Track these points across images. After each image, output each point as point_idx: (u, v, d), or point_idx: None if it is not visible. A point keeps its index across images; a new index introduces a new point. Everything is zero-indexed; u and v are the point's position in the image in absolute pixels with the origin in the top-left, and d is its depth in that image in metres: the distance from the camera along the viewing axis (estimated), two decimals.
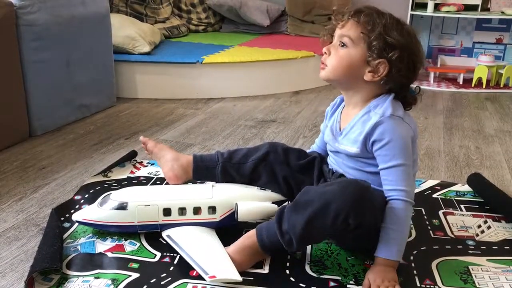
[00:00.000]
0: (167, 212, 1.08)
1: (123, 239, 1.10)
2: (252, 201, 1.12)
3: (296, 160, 1.18)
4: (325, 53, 1.03)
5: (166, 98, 2.42)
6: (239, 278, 0.93)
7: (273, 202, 1.13)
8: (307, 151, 1.25)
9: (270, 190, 1.18)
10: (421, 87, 2.81)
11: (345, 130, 1.06)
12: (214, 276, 0.92)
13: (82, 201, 1.28)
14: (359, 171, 1.04)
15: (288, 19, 3.30)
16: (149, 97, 2.42)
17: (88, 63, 2.07)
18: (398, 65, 0.97)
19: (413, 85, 1.06)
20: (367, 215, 0.93)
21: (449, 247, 1.10)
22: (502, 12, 2.79)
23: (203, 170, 1.22)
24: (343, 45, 1.00)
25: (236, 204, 1.09)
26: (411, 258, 1.05)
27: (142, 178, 1.44)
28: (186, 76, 2.43)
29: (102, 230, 1.12)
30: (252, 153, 1.20)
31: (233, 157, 1.20)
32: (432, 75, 2.94)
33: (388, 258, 0.95)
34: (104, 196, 1.15)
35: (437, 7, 2.87)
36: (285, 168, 1.17)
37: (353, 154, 1.03)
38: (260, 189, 1.17)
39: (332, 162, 1.13)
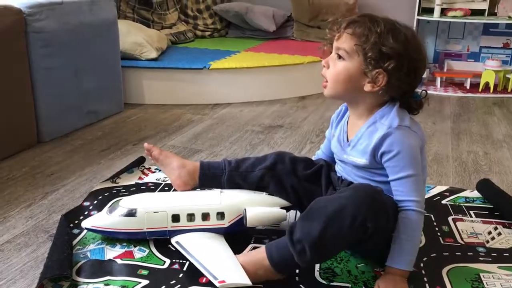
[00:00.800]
0: (175, 218, 1.09)
1: (132, 245, 1.10)
2: (260, 206, 1.12)
3: (303, 170, 1.18)
4: (324, 66, 1.03)
5: (173, 103, 2.42)
6: (248, 282, 0.92)
7: (281, 208, 1.13)
8: (313, 157, 1.24)
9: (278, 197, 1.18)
10: (428, 91, 2.81)
11: (353, 141, 1.05)
12: (223, 281, 0.92)
13: (91, 207, 1.29)
14: (369, 180, 1.03)
15: (294, 24, 3.30)
16: (156, 102, 2.43)
17: (96, 69, 2.08)
18: (396, 73, 0.96)
19: (419, 89, 1.04)
20: (381, 217, 0.92)
21: (460, 254, 1.10)
22: (509, 17, 2.78)
23: (209, 178, 1.21)
24: (340, 57, 1.00)
25: (245, 209, 1.09)
26: (421, 265, 1.04)
27: (150, 184, 1.44)
28: (193, 82, 2.44)
29: (111, 237, 1.12)
30: (259, 163, 1.19)
31: (240, 166, 1.20)
32: (439, 80, 2.93)
33: (399, 268, 0.94)
34: (113, 203, 1.15)
35: (443, 12, 2.87)
36: (293, 178, 1.16)
37: (362, 165, 1.03)
38: (268, 194, 1.17)
39: (340, 170, 1.12)
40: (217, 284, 0.92)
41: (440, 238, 1.16)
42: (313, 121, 2.19)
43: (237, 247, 1.07)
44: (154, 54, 2.44)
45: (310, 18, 3.19)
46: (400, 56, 0.95)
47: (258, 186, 1.18)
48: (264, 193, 1.17)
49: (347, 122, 1.10)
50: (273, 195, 1.17)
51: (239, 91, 2.51)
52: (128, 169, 1.52)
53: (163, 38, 2.73)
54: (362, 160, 1.01)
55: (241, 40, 3.27)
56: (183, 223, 1.09)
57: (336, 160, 1.14)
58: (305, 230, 0.91)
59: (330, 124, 1.18)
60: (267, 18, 3.24)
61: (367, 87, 0.98)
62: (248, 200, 1.13)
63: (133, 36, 2.43)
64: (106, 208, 1.14)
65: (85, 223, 1.13)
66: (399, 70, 0.95)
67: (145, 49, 2.43)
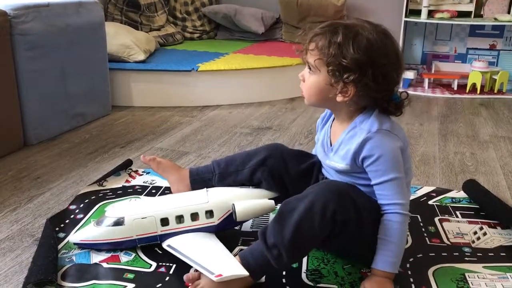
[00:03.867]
0: (165, 222, 1.08)
1: (119, 249, 1.09)
2: (248, 200, 1.11)
3: (295, 165, 1.17)
4: (301, 79, 1.03)
5: (161, 106, 2.42)
6: (245, 273, 0.92)
7: (271, 198, 1.13)
8: (313, 151, 1.23)
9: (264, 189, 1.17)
10: (416, 93, 2.84)
11: (335, 146, 1.04)
12: (220, 275, 0.91)
13: (77, 210, 1.28)
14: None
15: (283, 26, 3.31)
16: (144, 105, 2.42)
17: (83, 72, 2.07)
18: (362, 83, 0.94)
19: (400, 90, 1.02)
20: (351, 212, 0.93)
21: (446, 254, 1.10)
22: (495, 19, 2.81)
23: (200, 183, 1.23)
24: (310, 71, 1.00)
25: (233, 204, 1.09)
26: (408, 265, 1.05)
27: (137, 187, 1.43)
28: (181, 84, 2.43)
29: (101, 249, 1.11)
30: (250, 159, 1.19)
31: (230, 166, 1.20)
32: (426, 81, 2.95)
33: (385, 270, 0.95)
34: (99, 214, 1.14)
35: (430, 13, 2.89)
36: (284, 174, 1.16)
37: (343, 170, 1.02)
38: (254, 187, 1.17)
39: (326, 173, 1.12)
40: (214, 279, 0.91)
41: (427, 239, 1.17)
42: (301, 123, 2.19)
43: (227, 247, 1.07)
44: (142, 56, 2.43)
45: (298, 20, 3.19)
46: (362, 65, 0.92)
47: (249, 182, 1.18)
48: (251, 186, 1.17)
49: (331, 126, 1.09)
50: (258, 187, 1.17)
51: (228, 93, 2.51)
52: (115, 172, 1.51)
53: (151, 40, 2.72)
54: (342, 165, 1.01)
55: (230, 42, 3.27)
56: (173, 225, 1.08)
57: (322, 163, 1.14)
58: (278, 235, 0.91)
59: (316, 128, 1.18)
60: (256, 20, 3.24)
61: (339, 98, 0.97)
62: (235, 195, 1.13)
63: (121, 38, 2.42)
64: (92, 221, 1.13)
65: (73, 238, 1.12)
66: (363, 80, 0.93)
67: (133, 51, 2.42)
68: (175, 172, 1.26)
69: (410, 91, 2.86)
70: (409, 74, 2.95)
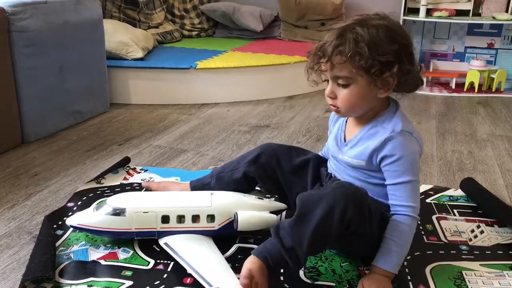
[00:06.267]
0: (165, 219, 1.08)
1: (117, 247, 1.09)
2: (250, 210, 1.11)
3: (288, 161, 1.17)
4: (330, 97, 0.99)
5: (159, 103, 2.41)
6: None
7: (272, 212, 1.13)
8: (320, 152, 1.23)
9: (268, 199, 1.18)
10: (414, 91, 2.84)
11: (351, 142, 1.03)
12: None
13: (75, 208, 1.28)
14: (360, 181, 1.02)
15: (281, 24, 3.31)
16: (142, 102, 2.41)
17: (81, 69, 2.06)
18: (403, 69, 0.93)
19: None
20: (366, 221, 0.92)
21: (443, 252, 1.11)
22: (493, 17, 2.81)
23: (200, 187, 1.27)
24: (344, 85, 0.96)
25: (236, 213, 1.08)
26: (405, 263, 1.05)
27: (135, 184, 1.43)
28: (179, 82, 2.43)
29: (96, 236, 1.11)
30: (244, 158, 1.21)
31: (226, 167, 1.24)
32: (425, 79, 2.95)
33: (385, 268, 0.94)
34: (100, 201, 1.14)
35: (429, 12, 2.89)
36: (276, 169, 1.17)
37: (357, 166, 1.02)
38: (258, 198, 1.17)
39: (332, 167, 1.11)
40: None
41: (424, 237, 1.17)
42: (300, 121, 2.19)
43: (222, 246, 1.07)
44: (140, 54, 2.43)
45: (297, 18, 3.19)
46: (398, 54, 0.92)
47: (242, 181, 1.19)
48: (254, 196, 1.17)
49: (346, 121, 1.08)
50: (262, 198, 1.17)
51: (226, 91, 2.51)
52: (113, 169, 1.51)
53: (149, 38, 2.71)
54: (359, 161, 1.01)
55: (228, 39, 3.27)
56: (173, 224, 1.08)
57: (330, 157, 1.13)
58: (296, 238, 0.89)
59: (329, 122, 1.16)
60: (255, 18, 3.23)
61: (382, 94, 0.96)
62: (239, 203, 1.12)
63: (119, 36, 2.41)
64: (93, 206, 1.12)
65: (70, 221, 1.11)
66: (403, 67, 0.93)
67: (131, 49, 2.41)
68: (176, 185, 1.32)
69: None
70: None
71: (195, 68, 2.40)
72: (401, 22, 2.87)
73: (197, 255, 1.02)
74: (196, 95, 2.45)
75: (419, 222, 1.22)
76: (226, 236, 1.12)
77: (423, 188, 1.45)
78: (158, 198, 1.13)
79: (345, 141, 1.06)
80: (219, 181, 1.23)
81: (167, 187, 1.33)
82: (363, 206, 0.92)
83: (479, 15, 2.95)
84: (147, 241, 1.10)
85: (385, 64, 0.91)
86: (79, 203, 1.30)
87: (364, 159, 0.99)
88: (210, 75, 2.45)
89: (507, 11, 2.86)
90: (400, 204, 0.96)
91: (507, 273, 1.03)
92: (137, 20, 2.96)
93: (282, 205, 1.16)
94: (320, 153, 1.23)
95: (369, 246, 0.97)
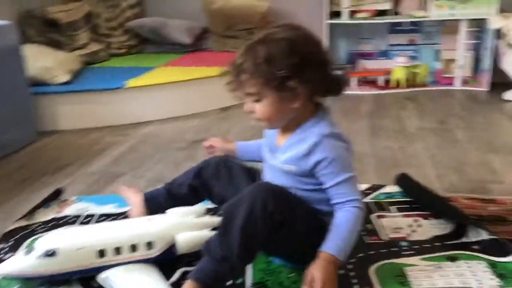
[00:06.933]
0: (102, 253, 1.02)
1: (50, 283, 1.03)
2: (190, 230, 1.09)
3: (228, 172, 1.18)
4: (250, 112, 1.02)
5: (91, 127, 2.33)
6: None
7: (214, 229, 1.11)
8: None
9: (209, 216, 1.17)
10: (345, 92, 2.92)
11: (282, 148, 1.05)
12: None
13: (6, 249, 1.20)
14: (294, 188, 1.03)
15: (211, 36, 3.30)
16: (73, 128, 2.32)
17: (2, 98, 1.95)
18: (308, 79, 0.96)
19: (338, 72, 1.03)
20: (287, 212, 0.94)
21: (385, 250, 1.13)
22: (411, 15, 2.95)
23: (153, 204, 1.23)
24: (256, 100, 0.99)
25: (174, 236, 1.06)
26: (349, 267, 1.06)
27: (69, 217, 1.37)
28: (110, 102, 2.36)
29: (30, 283, 1.04)
30: (188, 173, 1.22)
31: (176, 180, 1.23)
32: (354, 79, 3.05)
33: (331, 253, 0.93)
34: (30, 243, 1.07)
35: (351, 14, 2.98)
36: (217, 182, 1.17)
37: (290, 172, 1.03)
38: (197, 217, 1.14)
39: (267, 176, 1.12)
40: None
41: (366, 237, 1.19)
42: (236, 132, 2.19)
43: (167, 272, 1.05)
44: (65, 78, 2.34)
45: (225, 28, 3.20)
46: (298, 66, 0.94)
47: (191, 194, 1.20)
48: (192, 216, 1.15)
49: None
50: (203, 215, 1.15)
51: (160, 107, 2.46)
52: (44, 203, 1.43)
53: (74, 60, 2.62)
54: (290, 167, 1.02)
55: (159, 55, 3.22)
56: (111, 257, 1.03)
57: (264, 166, 1.14)
58: (225, 246, 0.91)
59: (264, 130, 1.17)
60: (183, 31, 3.21)
61: (295, 105, 0.99)
62: (178, 225, 1.09)
63: (41, 61, 2.31)
64: (22, 249, 1.05)
65: (1, 269, 1.04)
66: (306, 77, 0.95)
67: (56, 73, 2.32)
68: (132, 195, 1.26)
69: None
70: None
71: (125, 87, 2.34)
72: (325, 26, 2.96)
73: (138, 286, 0.98)
74: (129, 115, 2.39)
75: None
76: (169, 261, 1.09)
77: (361, 188, 1.48)
78: (92, 231, 1.08)
79: (277, 147, 1.07)
80: (170, 195, 1.22)
81: (127, 193, 1.29)
82: (282, 196, 0.95)
83: (398, 13, 3.08)
84: (87, 278, 1.05)
85: (284, 79, 0.94)
86: (10, 244, 1.22)
87: (295, 164, 1.01)
88: (142, 92, 2.40)
89: (423, 9, 3.01)
90: (345, 200, 0.97)
91: (444, 264, 1.07)
92: (60, 42, 2.84)
93: (217, 219, 1.15)
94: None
95: (306, 247, 0.97)
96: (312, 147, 0.98)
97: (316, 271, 0.91)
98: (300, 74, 0.95)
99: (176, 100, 2.51)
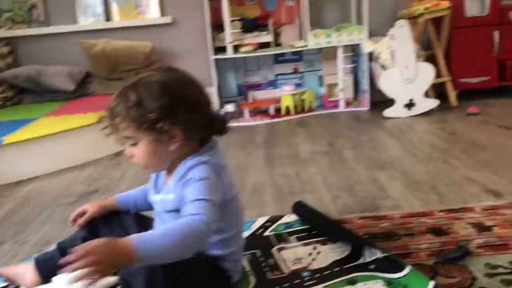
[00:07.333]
0: None
1: None
2: None
3: (119, 223, 1.16)
4: (131, 156, 1.01)
5: None
6: None
7: None
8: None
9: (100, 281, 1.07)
10: (238, 124, 2.96)
11: (167, 189, 1.02)
12: None
13: None
14: None
15: (95, 79, 3.18)
16: None
17: None
18: (182, 121, 0.95)
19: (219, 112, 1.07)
20: (185, 266, 0.90)
21: (287, 284, 1.12)
22: (292, 46, 3.08)
23: (44, 265, 1.15)
24: (133, 144, 0.98)
25: None
26: None
27: None
28: None
29: None
30: (79, 233, 1.17)
31: (68, 237, 1.19)
32: (246, 111, 3.09)
33: (133, 242, 0.81)
34: None
35: (236, 48, 3.05)
36: (111, 235, 1.10)
37: (173, 207, 0.99)
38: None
39: (157, 223, 1.09)
40: None
41: (268, 273, 1.17)
42: (130, 177, 2.10)
43: None
44: None
45: (109, 71, 3.10)
46: (169, 108, 0.94)
47: None
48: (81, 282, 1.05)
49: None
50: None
51: (45, 161, 2.29)
52: None
53: None
54: (170, 196, 0.99)
55: (39, 105, 3.02)
56: None
57: (154, 216, 1.10)
58: None
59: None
60: (64, 77, 3.05)
61: (172, 147, 0.98)
62: None
63: None
64: None
65: None
66: (180, 119, 0.95)
67: None
68: (20, 269, 1.17)
69: (233, 124, 2.97)
70: (229, 107, 3.06)
71: (0, 144, 2.14)
72: (212, 62, 2.99)
73: None
74: (7, 174, 2.18)
75: (260, 259, 1.24)
76: None
77: (260, 221, 1.48)
78: None
79: (162, 188, 1.06)
80: (65, 255, 1.10)
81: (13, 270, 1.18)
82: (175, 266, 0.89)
83: (280, 45, 3.21)
84: None
85: (156, 121, 0.94)
86: None
87: (174, 191, 0.98)
88: (22, 148, 2.21)
89: (301, 39, 3.17)
90: (195, 213, 0.90)
91: None
92: None
93: (113, 279, 1.07)
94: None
95: None
96: (187, 170, 0.97)
97: (92, 248, 0.79)
98: (172, 116, 0.94)
99: (62, 152, 2.35)
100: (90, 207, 1.18)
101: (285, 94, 3.10)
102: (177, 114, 0.94)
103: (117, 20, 3.22)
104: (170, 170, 1.05)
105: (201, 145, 1.03)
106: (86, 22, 3.22)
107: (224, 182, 1.01)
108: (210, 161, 0.99)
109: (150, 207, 1.14)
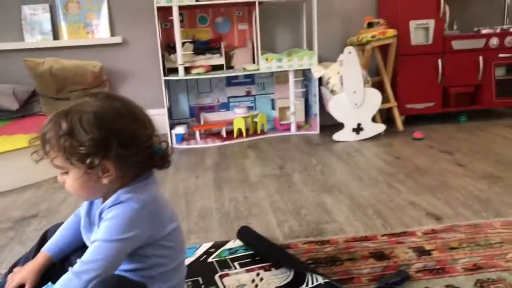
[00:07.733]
0: None
1: None
2: None
3: (69, 243, 1.08)
4: (64, 183, 0.95)
5: None
6: None
7: None
8: None
9: None
10: (190, 146, 2.92)
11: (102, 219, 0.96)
12: None
13: None
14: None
15: (41, 99, 3.07)
16: None
17: None
18: (115, 155, 0.89)
19: (160, 143, 0.98)
20: None
21: None
22: (244, 69, 3.10)
23: None
24: (64, 172, 0.93)
25: None
26: None
27: None
28: None
29: None
30: (32, 248, 1.11)
31: (22, 259, 1.10)
32: (198, 133, 3.06)
33: None
34: None
35: (187, 70, 3.03)
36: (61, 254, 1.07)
37: None
38: None
39: None
40: None
41: None
42: (72, 201, 2.01)
43: None
44: None
45: (57, 90, 3.00)
46: (102, 141, 0.87)
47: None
48: None
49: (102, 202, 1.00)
50: None
51: None
52: None
53: None
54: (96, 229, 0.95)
55: None
56: None
57: None
58: None
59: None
60: (7, 96, 2.93)
61: (105, 181, 0.92)
62: None
63: None
64: None
65: None
66: (113, 153, 0.88)
67: None
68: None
69: (184, 146, 2.93)
70: (180, 129, 3.03)
71: None
72: (163, 83, 2.95)
73: None
74: None
75: (203, 287, 1.20)
76: None
77: (204, 247, 1.45)
78: None
79: (94, 217, 0.98)
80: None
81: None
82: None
83: (232, 67, 3.22)
84: None
85: (86, 154, 0.87)
86: None
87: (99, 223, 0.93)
88: None
89: (254, 62, 3.19)
90: (73, 270, 0.86)
91: None
92: None
93: None
94: None
95: None
96: (110, 205, 0.91)
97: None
98: (104, 150, 0.88)
99: (2, 174, 2.23)
100: (29, 277, 1.02)
101: (237, 116, 3.10)
102: (109, 148, 0.88)
103: (66, 39, 3.14)
104: (105, 198, 0.97)
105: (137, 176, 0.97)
106: (33, 40, 3.13)
107: (163, 216, 0.96)
108: (135, 197, 0.91)
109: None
